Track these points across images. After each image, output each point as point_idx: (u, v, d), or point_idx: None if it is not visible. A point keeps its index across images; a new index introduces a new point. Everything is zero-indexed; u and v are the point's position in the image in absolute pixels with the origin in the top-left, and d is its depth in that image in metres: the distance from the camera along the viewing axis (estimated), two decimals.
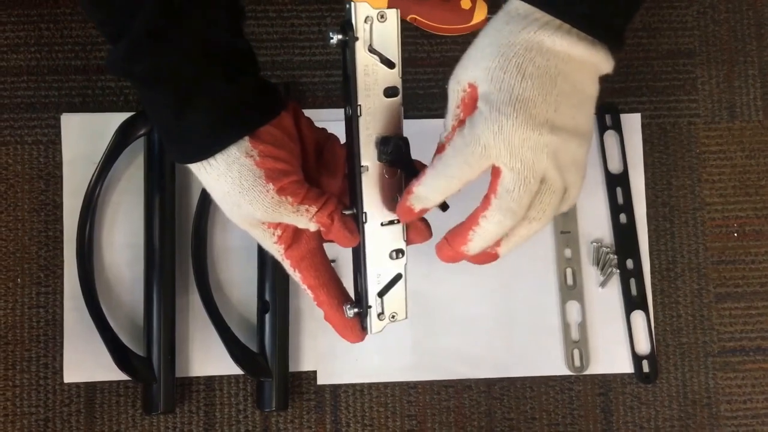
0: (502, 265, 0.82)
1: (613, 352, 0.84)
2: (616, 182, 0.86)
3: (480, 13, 0.83)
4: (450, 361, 0.83)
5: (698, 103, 0.88)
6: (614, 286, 0.85)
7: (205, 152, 0.55)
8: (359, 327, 0.61)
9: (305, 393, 0.83)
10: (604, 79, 0.57)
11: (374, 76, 0.56)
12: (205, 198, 0.81)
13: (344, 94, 0.57)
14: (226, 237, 0.83)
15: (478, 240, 0.56)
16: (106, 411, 0.82)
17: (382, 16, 0.55)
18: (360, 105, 0.56)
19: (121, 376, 0.79)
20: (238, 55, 0.56)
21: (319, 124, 0.62)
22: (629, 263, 0.85)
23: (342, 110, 0.58)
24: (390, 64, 0.57)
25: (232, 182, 0.55)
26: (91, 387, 0.82)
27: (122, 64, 0.54)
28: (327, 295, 0.61)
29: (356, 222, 0.59)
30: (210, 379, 0.82)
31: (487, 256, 0.58)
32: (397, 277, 0.61)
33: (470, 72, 0.55)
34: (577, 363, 0.84)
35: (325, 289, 0.61)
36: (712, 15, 0.88)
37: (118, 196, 0.83)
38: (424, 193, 0.56)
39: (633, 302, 0.85)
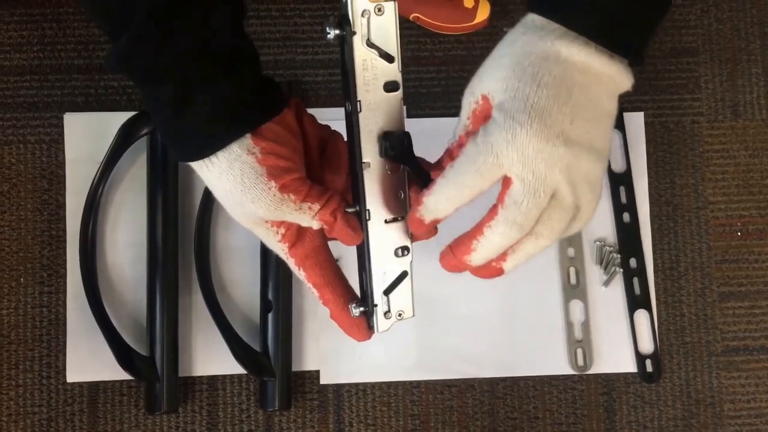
0: None
1: (616, 351, 0.84)
2: (620, 181, 0.86)
3: (483, 12, 0.83)
4: (453, 360, 0.83)
5: (701, 102, 0.87)
6: (617, 285, 0.85)
7: (206, 150, 0.55)
8: (365, 325, 0.61)
9: (308, 392, 0.83)
10: None
11: (373, 71, 0.55)
12: (208, 197, 0.81)
13: (344, 90, 0.57)
14: (229, 236, 0.83)
15: (481, 250, 0.55)
16: (109, 410, 0.82)
17: (379, 9, 0.54)
18: (359, 101, 0.56)
19: (124, 375, 0.79)
20: (239, 51, 0.56)
21: (322, 123, 0.61)
22: (632, 262, 0.85)
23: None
24: (389, 58, 0.55)
25: (233, 180, 0.55)
26: (94, 386, 0.82)
27: (122, 61, 0.54)
28: (332, 293, 0.61)
29: (359, 220, 0.59)
30: (213, 379, 0.82)
31: (491, 270, 0.57)
32: (403, 275, 0.60)
33: (485, 83, 0.55)
34: (581, 362, 0.84)
35: (330, 288, 0.60)
36: (716, 13, 0.88)
37: (120, 196, 0.83)
38: (435, 204, 0.56)
39: (636, 301, 0.85)
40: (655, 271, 0.85)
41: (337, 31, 0.55)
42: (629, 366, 0.84)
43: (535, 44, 0.53)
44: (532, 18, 0.54)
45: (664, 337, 0.85)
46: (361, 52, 0.55)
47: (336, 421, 0.83)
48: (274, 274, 0.81)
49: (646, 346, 0.84)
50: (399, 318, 0.61)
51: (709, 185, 0.87)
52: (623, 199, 0.85)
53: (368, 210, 0.58)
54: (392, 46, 0.55)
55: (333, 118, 0.62)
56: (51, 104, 0.84)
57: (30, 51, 0.84)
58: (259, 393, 0.81)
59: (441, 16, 0.83)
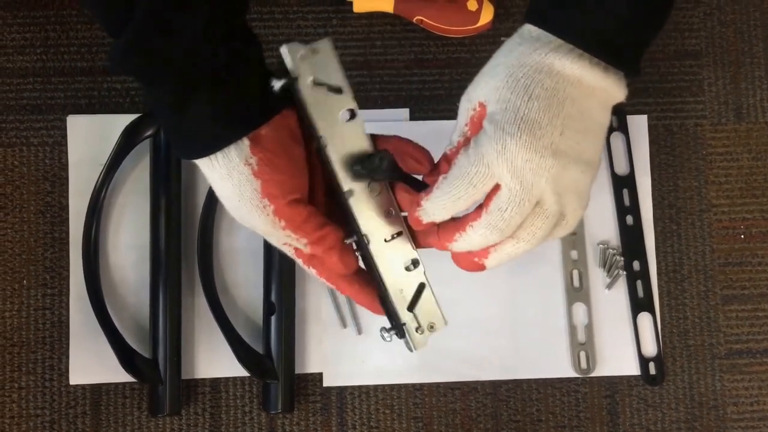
0: (509, 267, 0.82)
1: (619, 354, 0.84)
2: (623, 184, 0.86)
3: (486, 15, 0.83)
4: (456, 363, 0.83)
5: (705, 105, 0.87)
6: (621, 287, 0.85)
7: (205, 150, 0.55)
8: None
9: (311, 395, 0.83)
10: None
11: (328, 106, 0.56)
12: (212, 200, 0.81)
13: (307, 131, 0.57)
14: (232, 239, 0.83)
15: (462, 243, 0.56)
16: (111, 413, 0.82)
17: (314, 51, 0.55)
18: (322, 136, 0.56)
19: (127, 377, 0.79)
20: (240, 51, 0.56)
21: None
22: (636, 265, 0.85)
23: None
24: (338, 90, 0.56)
25: (232, 188, 0.55)
26: (97, 389, 0.82)
27: (122, 60, 0.54)
28: (348, 285, 0.60)
29: (360, 247, 0.59)
30: (216, 381, 0.82)
31: (473, 265, 0.58)
32: (421, 287, 0.60)
33: (480, 91, 0.55)
34: (584, 365, 0.83)
35: (345, 280, 0.60)
36: (719, 16, 0.88)
37: (124, 198, 0.83)
38: (432, 210, 0.56)
39: (639, 304, 0.84)
40: (659, 274, 0.85)
41: (281, 82, 0.55)
42: (632, 369, 0.84)
43: (529, 56, 0.53)
44: (529, 29, 0.55)
45: (667, 340, 0.85)
46: (309, 94, 0.56)
47: (339, 423, 0.83)
48: (277, 277, 0.81)
49: (649, 348, 0.84)
50: (431, 330, 0.61)
51: (712, 188, 0.87)
52: (626, 201, 0.85)
53: (365, 235, 0.58)
54: (338, 79, 0.56)
55: None
56: (54, 106, 0.84)
57: (33, 53, 0.84)
58: (262, 395, 0.81)
59: (444, 18, 0.83)
